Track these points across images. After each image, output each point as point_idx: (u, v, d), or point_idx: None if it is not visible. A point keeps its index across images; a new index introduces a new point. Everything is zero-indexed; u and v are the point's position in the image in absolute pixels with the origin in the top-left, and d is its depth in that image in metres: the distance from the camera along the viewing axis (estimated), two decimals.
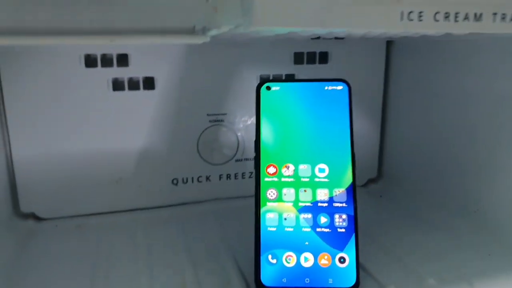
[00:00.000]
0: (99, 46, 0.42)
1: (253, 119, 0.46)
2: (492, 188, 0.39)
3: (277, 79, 0.31)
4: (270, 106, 0.32)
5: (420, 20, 0.21)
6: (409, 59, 0.49)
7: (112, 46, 0.42)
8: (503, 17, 0.23)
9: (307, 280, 0.29)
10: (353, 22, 0.21)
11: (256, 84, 0.33)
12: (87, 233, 0.42)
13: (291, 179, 0.31)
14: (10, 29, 0.23)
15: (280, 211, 0.30)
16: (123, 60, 0.43)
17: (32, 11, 0.23)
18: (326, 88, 0.32)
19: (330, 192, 0.30)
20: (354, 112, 0.32)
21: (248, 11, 0.20)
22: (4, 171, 0.42)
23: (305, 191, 0.30)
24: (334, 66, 0.49)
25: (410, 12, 0.21)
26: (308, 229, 0.30)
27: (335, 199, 0.30)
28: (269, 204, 0.30)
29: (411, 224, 0.43)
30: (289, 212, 0.30)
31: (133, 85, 0.44)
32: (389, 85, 0.53)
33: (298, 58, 0.48)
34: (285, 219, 0.30)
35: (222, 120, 0.48)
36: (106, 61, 0.43)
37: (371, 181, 0.55)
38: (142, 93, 0.44)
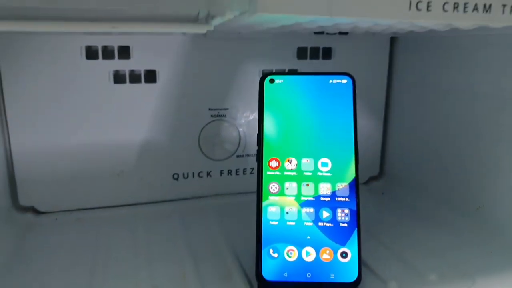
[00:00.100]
0: (100, 37, 0.41)
1: (255, 114, 0.46)
2: (494, 186, 0.39)
3: (278, 72, 0.31)
4: (273, 99, 0.31)
5: (429, 10, 0.21)
6: (413, 56, 0.49)
7: (113, 37, 0.42)
8: None
9: (308, 275, 0.28)
10: (361, 12, 0.21)
11: (258, 79, 0.32)
12: (87, 226, 0.42)
13: (294, 173, 0.30)
14: (10, 14, 0.22)
15: (282, 205, 0.30)
16: (124, 52, 0.43)
17: None
18: (330, 81, 0.31)
19: (333, 186, 0.30)
20: (357, 109, 0.32)
21: None
22: (3, 164, 0.42)
23: (307, 185, 0.30)
24: (337, 62, 0.49)
25: (419, 2, 0.21)
26: (310, 224, 0.29)
27: (337, 193, 0.30)
28: (271, 198, 0.30)
29: (412, 221, 0.43)
30: (291, 206, 0.30)
31: (135, 78, 0.44)
32: (392, 82, 0.52)
33: (302, 54, 0.48)
34: (287, 213, 0.30)
35: (224, 115, 0.47)
36: (107, 53, 0.42)
37: (372, 178, 0.54)
38: (143, 86, 0.44)
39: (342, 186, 0.30)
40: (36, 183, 0.43)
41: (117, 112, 0.44)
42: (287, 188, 0.30)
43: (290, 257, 0.29)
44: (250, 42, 0.46)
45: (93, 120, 0.43)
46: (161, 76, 0.44)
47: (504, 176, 0.38)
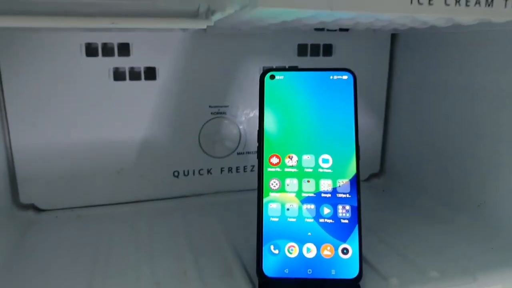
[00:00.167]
0: (100, 34, 0.41)
1: (256, 112, 0.46)
2: (495, 183, 0.39)
3: (279, 68, 0.31)
4: (274, 95, 0.31)
5: (431, 4, 0.21)
6: (414, 53, 0.49)
7: (113, 34, 0.42)
8: None
9: (309, 271, 0.28)
10: (361, 6, 0.21)
11: (258, 76, 0.32)
12: (87, 224, 0.42)
13: (294, 170, 0.30)
14: (9, 9, 0.22)
15: (283, 201, 0.30)
16: (124, 49, 0.43)
17: None
18: (331, 77, 0.31)
19: (334, 183, 0.30)
20: (358, 106, 0.32)
21: None
22: (4, 162, 0.42)
23: (308, 181, 0.30)
24: (338, 59, 0.49)
25: None
26: (311, 220, 0.29)
27: (338, 190, 0.30)
28: (272, 195, 0.30)
29: (413, 218, 0.43)
30: (292, 202, 0.30)
31: (134, 75, 0.44)
32: (393, 79, 0.52)
33: (302, 50, 0.48)
34: (288, 209, 0.30)
35: (224, 113, 0.47)
36: (107, 50, 0.42)
37: (373, 176, 0.54)
38: (143, 83, 0.44)
39: (343, 182, 0.30)
40: (37, 181, 0.43)
41: (117, 110, 0.44)
42: (287, 185, 0.30)
43: (291, 253, 0.29)
44: (250, 39, 0.46)
45: (93, 118, 0.43)
46: (161, 73, 0.44)
47: (504, 173, 0.38)
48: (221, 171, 0.49)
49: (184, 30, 0.43)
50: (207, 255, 0.35)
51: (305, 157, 0.30)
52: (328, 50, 0.49)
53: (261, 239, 0.29)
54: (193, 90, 0.46)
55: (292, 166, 0.30)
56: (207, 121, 0.47)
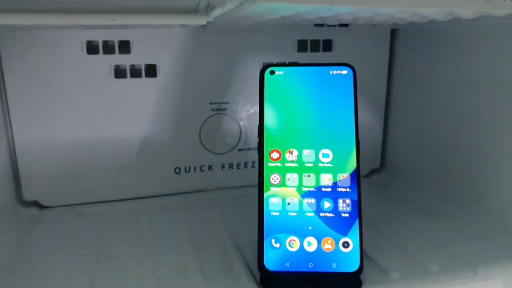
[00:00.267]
0: (101, 32, 0.42)
1: (256, 108, 0.46)
2: (495, 177, 0.39)
3: (281, 63, 0.31)
4: (274, 90, 0.31)
5: None
6: (414, 48, 0.49)
7: (113, 32, 0.42)
8: None
9: (310, 265, 0.29)
10: (361, 0, 0.21)
11: (258, 72, 0.32)
12: (90, 220, 0.42)
13: (295, 164, 0.30)
14: (9, 7, 0.22)
15: (284, 196, 0.30)
16: (125, 46, 0.43)
17: None
18: (331, 72, 0.31)
19: (334, 177, 0.30)
20: (358, 101, 0.32)
21: None
22: (7, 160, 0.42)
23: (308, 176, 0.30)
24: (338, 55, 0.49)
25: None
26: (312, 214, 0.29)
27: (339, 184, 0.30)
28: (273, 189, 0.30)
29: (414, 213, 0.43)
30: (293, 197, 0.30)
31: (135, 72, 0.44)
32: (393, 74, 0.52)
33: (302, 46, 0.48)
34: (289, 203, 0.30)
35: (224, 109, 0.48)
36: (108, 48, 0.43)
37: (374, 171, 0.55)
38: (144, 80, 0.44)
39: (343, 176, 0.30)
40: (40, 178, 0.43)
41: (118, 107, 0.44)
42: (288, 179, 0.30)
43: (292, 247, 0.29)
44: (250, 35, 0.46)
45: (94, 115, 0.43)
46: (161, 71, 0.44)
47: (505, 167, 0.38)
48: (222, 167, 0.49)
49: (184, 27, 0.43)
50: (209, 250, 0.35)
51: (305, 151, 0.31)
52: (328, 45, 0.49)
53: (262, 233, 0.29)
54: (193, 87, 0.46)
55: (292, 161, 0.30)
56: (208, 118, 0.47)
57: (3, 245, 0.36)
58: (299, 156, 0.31)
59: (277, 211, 0.30)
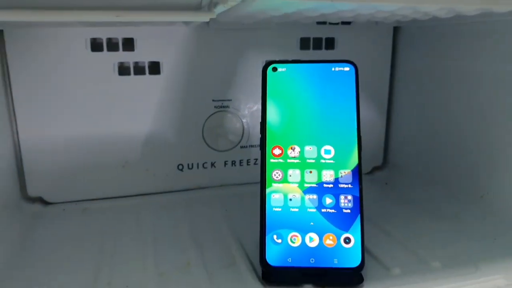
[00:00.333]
0: (105, 29, 0.42)
1: (259, 105, 0.46)
2: (498, 173, 0.39)
3: (283, 60, 0.31)
4: (276, 87, 0.32)
5: None
6: (416, 45, 0.49)
7: (117, 29, 0.42)
8: None
9: (312, 260, 0.29)
10: None
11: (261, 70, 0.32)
12: (94, 216, 0.42)
13: (297, 160, 0.31)
14: (14, 4, 0.23)
15: (286, 192, 0.30)
16: (128, 44, 0.43)
17: None
18: (333, 69, 0.32)
19: (336, 173, 0.30)
20: (360, 99, 0.32)
21: None
22: (12, 156, 0.42)
23: (310, 172, 0.30)
24: (340, 52, 0.49)
25: None
26: (313, 210, 0.30)
27: (340, 180, 0.30)
28: (275, 185, 0.30)
29: (416, 210, 0.43)
30: (295, 193, 0.30)
31: (139, 69, 0.44)
32: (395, 71, 0.52)
33: (304, 44, 0.48)
34: (290, 199, 0.30)
35: (227, 106, 0.48)
36: (112, 45, 0.43)
37: (376, 168, 0.55)
38: (147, 77, 0.44)
39: (345, 173, 0.30)
40: (44, 174, 0.44)
41: (122, 104, 0.44)
42: (290, 175, 0.30)
43: (293, 243, 0.29)
44: (253, 33, 0.46)
45: (98, 112, 0.44)
46: (165, 68, 0.45)
47: (507, 164, 0.38)
48: (225, 164, 0.49)
49: (187, 24, 0.43)
50: (211, 246, 0.35)
51: (307, 148, 0.31)
52: (330, 43, 0.49)
53: (264, 229, 0.29)
54: (196, 84, 0.46)
55: (294, 157, 0.31)
56: (211, 115, 0.47)
57: (7, 241, 0.36)
58: (301, 152, 0.31)
59: (279, 207, 0.30)
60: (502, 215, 0.38)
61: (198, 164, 0.48)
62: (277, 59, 0.47)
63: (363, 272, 0.29)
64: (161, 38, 0.44)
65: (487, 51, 0.40)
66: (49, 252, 0.35)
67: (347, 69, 0.32)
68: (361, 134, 0.31)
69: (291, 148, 0.31)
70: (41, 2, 0.23)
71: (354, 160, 0.31)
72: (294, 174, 0.30)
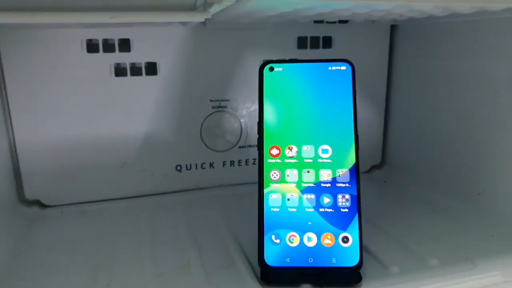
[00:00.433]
0: (101, 30, 0.42)
1: (257, 105, 0.46)
2: (495, 171, 0.39)
3: (280, 60, 0.31)
4: (273, 87, 0.32)
5: None
6: (414, 43, 0.49)
7: (113, 30, 0.42)
8: None
9: (310, 260, 0.29)
10: None
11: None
12: (92, 218, 0.42)
13: (294, 160, 0.31)
14: (9, 5, 0.23)
15: (283, 192, 0.30)
16: (125, 45, 0.43)
17: None
18: (329, 68, 0.32)
19: (333, 172, 0.30)
20: (358, 98, 0.32)
21: None
22: (9, 159, 0.42)
23: (308, 172, 0.30)
24: (338, 51, 0.49)
25: None
26: (311, 209, 0.30)
27: (338, 179, 0.30)
28: (272, 185, 0.30)
29: (414, 208, 0.43)
30: (292, 192, 0.30)
31: (136, 70, 0.44)
32: (393, 70, 0.52)
33: (302, 43, 0.48)
34: (288, 199, 0.30)
35: (225, 106, 0.48)
36: (108, 46, 0.43)
37: (375, 167, 0.55)
38: (144, 78, 0.44)
39: (343, 172, 0.30)
40: (41, 177, 0.43)
41: (119, 105, 0.44)
42: (288, 175, 0.30)
43: (292, 242, 0.29)
44: (250, 33, 0.46)
45: (95, 113, 0.44)
46: (161, 68, 0.45)
47: (504, 161, 0.38)
48: (223, 164, 0.49)
49: (184, 24, 0.43)
50: (210, 246, 0.35)
51: (304, 147, 0.31)
52: (327, 42, 0.49)
53: (262, 229, 0.29)
54: (194, 84, 0.46)
55: (292, 157, 0.31)
56: (209, 115, 0.47)
57: (4, 245, 0.36)
58: (299, 152, 0.31)
59: (277, 207, 0.30)
60: (499, 212, 0.38)
61: (196, 164, 0.48)
62: (275, 58, 0.48)
63: (361, 271, 0.29)
64: (157, 38, 0.44)
65: (484, 50, 0.40)
66: (47, 255, 0.35)
67: (343, 68, 0.32)
68: (359, 132, 0.31)
69: (289, 148, 0.31)
70: (35, 3, 0.23)
71: (351, 159, 0.31)
72: (291, 174, 0.30)
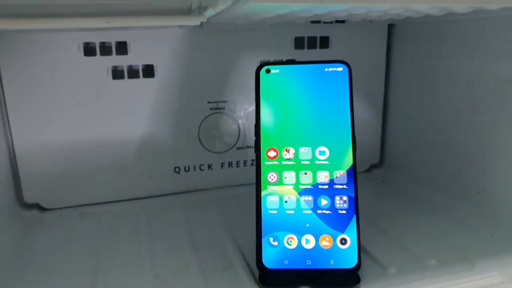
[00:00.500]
0: (98, 33, 0.42)
1: (254, 105, 0.46)
2: (493, 171, 0.39)
3: (276, 61, 0.31)
4: (269, 89, 0.32)
5: None
6: (411, 43, 0.49)
7: (110, 33, 0.42)
8: None
9: (308, 262, 0.29)
10: None
11: None
12: (91, 221, 0.42)
13: (292, 162, 0.31)
14: (5, 12, 0.23)
15: (281, 194, 0.30)
16: (122, 48, 0.43)
17: None
18: (326, 69, 0.32)
19: (331, 174, 0.30)
20: (356, 98, 0.32)
21: None
22: (7, 162, 0.42)
23: (305, 173, 0.30)
24: (335, 51, 0.49)
25: None
26: (309, 211, 0.30)
27: (335, 181, 0.30)
28: (270, 188, 0.30)
29: (413, 208, 0.43)
30: (290, 195, 0.30)
31: (133, 73, 0.44)
32: (391, 69, 0.52)
33: (299, 43, 0.48)
34: (286, 202, 0.30)
35: (223, 108, 0.48)
36: (105, 49, 0.43)
37: (373, 166, 0.55)
38: (142, 81, 0.44)
39: (340, 173, 0.30)
40: (40, 180, 0.43)
41: (116, 108, 0.44)
42: (285, 177, 0.30)
43: (290, 245, 0.29)
44: (246, 34, 0.46)
45: (93, 116, 0.44)
46: (159, 71, 0.45)
47: (503, 161, 0.38)
48: (222, 166, 0.49)
49: (180, 26, 0.43)
50: (208, 248, 0.35)
51: (302, 149, 0.31)
52: (325, 42, 0.49)
53: (260, 231, 0.29)
54: (191, 86, 0.46)
55: (289, 159, 0.31)
56: (206, 117, 0.47)
57: (3, 248, 0.36)
58: (296, 154, 0.31)
59: (275, 209, 0.30)
60: (497, 212, 0.38)
61: (194, 166, 0.48)
62: (272, 59, 0.48)
63: (359, 272, 0.29)
64: (154, 41, 0.43)
65: (482, 49, 0.40)
66: (46, 258, 0.35)
67: (340, 69, 0.31)
68: (358, 132, 0.31)
69: (286, 150, 0.31)
70: (33, 10, 0.23)
71: (348, 161, 0.31)
72: (289, 176, 0.30)
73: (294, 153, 0.31)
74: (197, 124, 0.47)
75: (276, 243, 0.29)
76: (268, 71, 0.32)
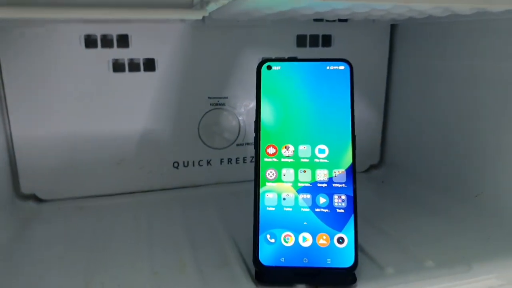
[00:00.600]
0: (99, 26, 0.41)
1: (255, 103, 0.46)
2: (493, 173, 0.39)
3: (278, 58, 0.31)
4: (270, 86, 0.31)
5: None
6: (414, 43, 0.49)
7: (112, 26, 0.42)
8: None
9: (305, 260, 0.29)
10: None
11: None
12: (88, 214, 0.42)
13: (291, 160, 0.30)
14: (4, 1, 0.22)
15: (279, 191, 0.30)
16: (123, 41, 0.43)
17: None
18: (327, 68, 0.31)
19: (330, 172, 0.30)
20: (357, 97, 0.32)
21: None
22: (5, 153, 0.42)
23: (304, 171, 0.30)
24: (337, 50, 0.49)
25: None
26: (307, 209, 0.30)
27: (334, 179, 0.30)
28: (269, 184, 0.30)
29: (412, 208, 0.43)
30: (288, 192, 0.30)
31: (134, 66, 0.44)
32: (392, 69, 0.52)
33: (301, 41, 0.48)
34: (284, 199, 0.30)
35: (223, 104, 0.48)
36: (106, 42, 0.42)
37: (373, 167, 0.55)
38: (142, 74, 0.44)
39: (339, 172, 0.30)
40: (38, 171, 0.43)
41: (117, 101, 0.44)
42: (284, 175, 0.30)
43: (287, 242, 0.29)
44: (249, 30, 0.46)
45: (93, 109, 0.44)
46: (160, 65, 0.44)
47: (503, 163, 0.38)
48: (221, 162, 0.49)
49: (183, 21, 0.43)
50: (206, 245, 0.35)
51: (301, 147, 0.31)
52: (327, 40, 0.49)
53: (257, 228, 0.29)
54: (192, 81, 0.46)
55: (288, 156, 0.31)
56: (206, 113, 0.47)
57: (0, 239, 0.36)
58: (295, 151, 0.31)
59: (273, 207, 0.30)
60: (496, 215, 0.38)
61: (194, 161, 0.48)
62: (274, 56, 0.48)
63: (356, 272, 0.29)
64: (156, 35, 0.43)
65: (484, 50, 0.39)
66: (42, 251, 0.35)
67: (342, 67, 0.31)
68: (358, 132, 0.31)
69: (285, 147, 0.31)
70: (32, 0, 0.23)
71: (348, 160, 0.30)
72: (288, 173, 0.30)
73: (293, 151, 0.31)
74: (197, 120, 0.47)
75: (273, 240, 0.29)
76: (269, 67, 0.32)
